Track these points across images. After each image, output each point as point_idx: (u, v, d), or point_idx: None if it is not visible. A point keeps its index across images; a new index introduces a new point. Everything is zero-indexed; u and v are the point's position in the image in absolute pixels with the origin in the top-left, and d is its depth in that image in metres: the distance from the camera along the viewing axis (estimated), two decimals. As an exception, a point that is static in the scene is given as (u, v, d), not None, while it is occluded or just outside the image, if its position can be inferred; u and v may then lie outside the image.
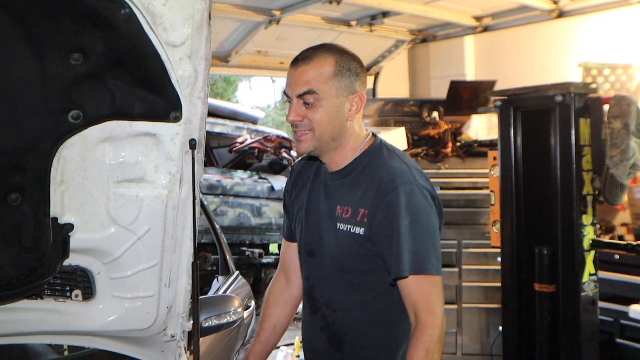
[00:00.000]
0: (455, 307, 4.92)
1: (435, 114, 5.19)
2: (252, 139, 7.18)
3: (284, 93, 1.86)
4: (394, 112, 5.37)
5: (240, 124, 7.26)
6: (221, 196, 6.62)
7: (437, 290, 1.76)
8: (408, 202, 1.74)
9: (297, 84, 1.80)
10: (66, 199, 1.82)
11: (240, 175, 6.98)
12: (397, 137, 4.99)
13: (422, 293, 1.74)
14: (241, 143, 7.15)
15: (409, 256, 1.72)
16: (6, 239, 1.76)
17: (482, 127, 5.16)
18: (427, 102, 5.38)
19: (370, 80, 6.57)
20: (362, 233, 1.79)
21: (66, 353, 2.28)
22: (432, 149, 5.01)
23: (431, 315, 1.72)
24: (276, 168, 7.40)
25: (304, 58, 1.81)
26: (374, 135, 1.93)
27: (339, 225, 1.84)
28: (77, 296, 1.97)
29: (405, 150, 5.02)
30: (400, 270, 1.73)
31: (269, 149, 7.10)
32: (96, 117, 1.77)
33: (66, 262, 1.90)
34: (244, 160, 7.28)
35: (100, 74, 1.71)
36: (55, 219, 1.81)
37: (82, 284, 1.97)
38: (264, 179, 7.08)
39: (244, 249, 6.82)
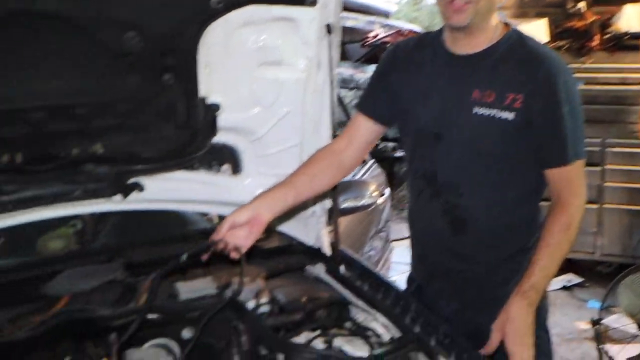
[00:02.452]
0: (596, 206, 4.75)
1: (581, 4, 4.84)
2: (384, 33, 7.02)
3: None
4: (534, 3, 5.07)
5: (372, 18, 7.11)
6: (354, 89, 6.59)
7: (582, 172, 1.80)
8: (567, 90, 1.74)
9: None
10: (212, 80, 1.94)
11: (372, 69, 6.90)
12: (537, 30, 4.71)
13: (572, 177, 1.77)
14: (373, 37, 7.02)
15: (570, 143, 1.74)
16: (162, 116, 1.93)
17: (635, 17, 4.74)
18: (573, -9, 5.00)
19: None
20: (511, 118, 1.75)
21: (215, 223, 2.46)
22: (575, 41, 4.70)
23: (576, 197, 1.77)
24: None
25: None
26: (503, 22, 1.87)
27: (475, 109, 1.79)
28: (226, 170, 2.13)
29: (546, 43, 4.76)
30: (565, 157, 1.75)
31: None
32: (237, 1, 1.84)
33: (215, 140, 2.05)
34: (376, 54, 7.14)
35: (239, -42, 1.77)
36: (204, 99, 1.95)
37: (230, 159, 2.12)
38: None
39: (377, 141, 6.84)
